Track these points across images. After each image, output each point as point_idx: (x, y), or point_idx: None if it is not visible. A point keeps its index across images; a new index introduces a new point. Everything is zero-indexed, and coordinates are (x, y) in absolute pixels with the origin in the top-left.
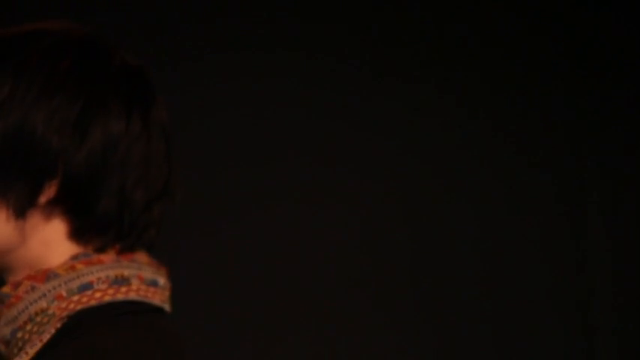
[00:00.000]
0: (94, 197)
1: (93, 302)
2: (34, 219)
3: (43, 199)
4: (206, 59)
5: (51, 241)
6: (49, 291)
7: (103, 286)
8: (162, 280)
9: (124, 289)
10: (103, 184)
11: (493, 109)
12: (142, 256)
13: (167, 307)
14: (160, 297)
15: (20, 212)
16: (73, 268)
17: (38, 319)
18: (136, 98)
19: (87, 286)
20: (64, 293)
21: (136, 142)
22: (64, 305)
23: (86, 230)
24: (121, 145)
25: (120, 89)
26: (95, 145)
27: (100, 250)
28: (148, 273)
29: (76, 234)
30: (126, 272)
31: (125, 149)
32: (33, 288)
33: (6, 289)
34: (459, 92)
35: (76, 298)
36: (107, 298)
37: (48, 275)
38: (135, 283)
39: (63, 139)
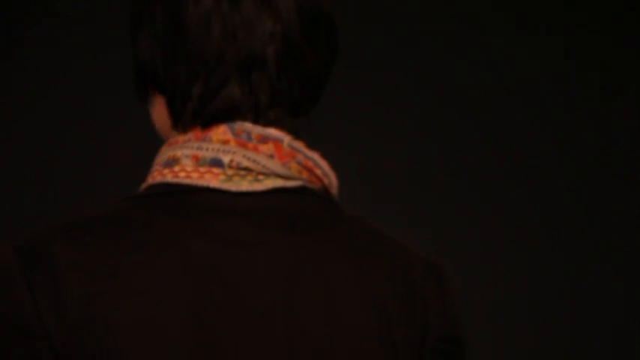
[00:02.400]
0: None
1: (146, 185)
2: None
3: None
4: None
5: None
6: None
7: (158, 168)
8: (227, 159)
9: (166, 171)
10: (175, 68)
11: None
12: (217, 133)
13: (228, 185)
14: (213, 177)
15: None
16: (158, 151)
17: None
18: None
19: (151, 169)
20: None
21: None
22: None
23: (172, 114)
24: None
25: None
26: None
27: (183, 130)
28: (210, 152)
29: (171, 119)
30: (179, 153)
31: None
32: None
33: None
34: None
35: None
36: (151, 181)
37: None
38: (183, 164)
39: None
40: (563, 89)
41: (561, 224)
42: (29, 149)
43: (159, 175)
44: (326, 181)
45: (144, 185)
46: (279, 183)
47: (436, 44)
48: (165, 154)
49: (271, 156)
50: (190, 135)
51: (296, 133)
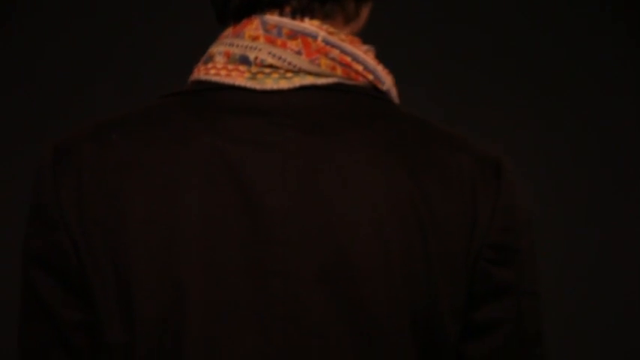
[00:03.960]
0: None
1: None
2: None
3: None
4: None
5: None
6: None
7: (198, 65)
8: (252, 56)
9: (202, 68)
10: None
11: None
12: (250, 29)
13: (252, 83)
14: (239, 75)
15: None
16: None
17: None
18: None
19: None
20: None
21: None
22: None
23: (214, 9)
24: None
25: None
26: None
27: (224, 25)
28: (239, 49)
29: (215, 14)
30: (214, 50)
31: None
32: None
33: None
34: None
35: None
36: (190, 78)
37: None
38: (215, 61)
39: None
40: None
41: None
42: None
43: (196, 72)
44: (370, 77)
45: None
46: (308, 80)
47: None
48: (207, 50)
49: (299, 52)
50: (228, 31)
51: (328, 17)
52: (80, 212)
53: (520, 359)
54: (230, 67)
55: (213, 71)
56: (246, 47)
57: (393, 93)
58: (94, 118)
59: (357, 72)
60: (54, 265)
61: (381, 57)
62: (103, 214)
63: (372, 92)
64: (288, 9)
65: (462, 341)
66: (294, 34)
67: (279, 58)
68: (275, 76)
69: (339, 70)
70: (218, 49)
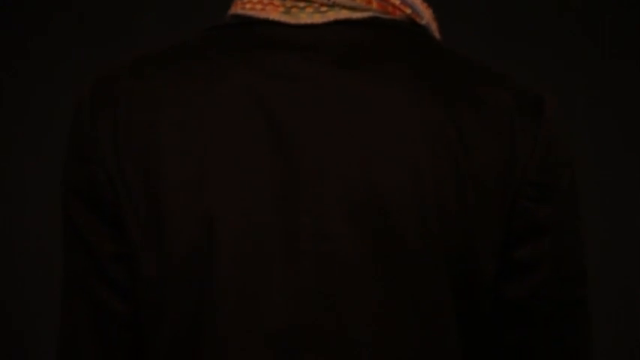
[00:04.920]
0: None
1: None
2: None
3: None
4: None
5: None
6: None
7: (236, 0)
8: None
9: (239, 2)
10: None
11: None
12: None
13: (286, 17)
14: (273, 9)
15: None
16: None
17: None
18: None
19: None
20: None
21: None
22: None
23: None
24: None
25: None
26: None
27: None
28: None
29: None
30: None
31: None
32: None
33: None
34: None
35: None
36: (229, 12)
37: None
38: None
39: None
40: None
41: None
42: None
43: (234, 6)
44: (408, 11)
45: None
46: (343, 14)
47: None
48: None
49: None
50: None
51: None
52: (115, 145)
53: (560, 300)
54: (265, 1)
55: (248, 5)
56: None
57: (433, 27)
58: (135, 52)
59: (393, 5)
60: (90, 197)
61: None
62: (137, 147)
63: (410, 26)
64: None
65: (500, 281)
66: None
67: None
68: (309, 10)
69: (374, 4)
70: None
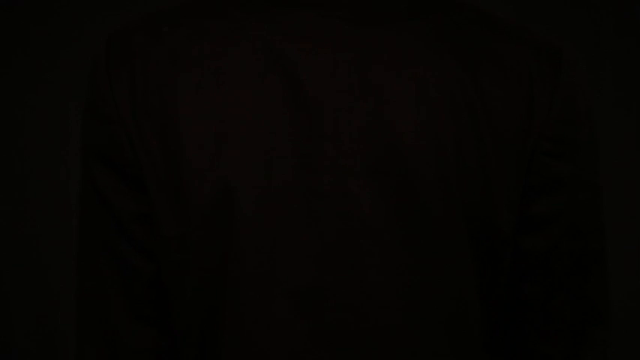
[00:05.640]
0: None
1: None
2: None
3: None
4: None
5: None
6: None
7: None
8: None
9: None
10: None
11: None
12: None
13: None
14: None
15: None
16: None
17: None
18: None
19: None
20: None
21: None
22: None
23: None
24: None
25: None
26: None
27: None
28: None
29: None
30: None
31: None
32: None
33: None
34: None
35: None
36: None
37: None
38: None
39: None
40: None
41: None
42: None
43: None
44: None
45: None
46: None
47: None
48: None
49: None
50: None
51: None
52: (133, 104)
53: (578, 254)
54: None
55: None
56: None
57: None
58: (147, 9)
59: None
60: (110, 158)
61: None
62: (155, 106)
63: None
64: None
65: (518, 235)
66: None
67: None
68: None
69: None
70: None
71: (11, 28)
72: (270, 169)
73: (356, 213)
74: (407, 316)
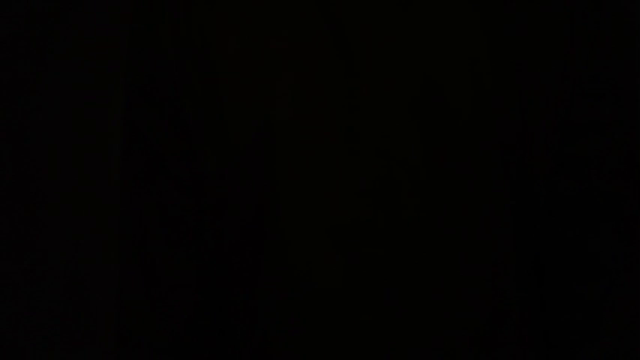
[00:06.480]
0: None
1: None
2: None
3: None
4: None
5: None
6: None
7: None
8: None
9: None
10: None
11: None
12: None
13: None
14: None
15: None
16: None
17: None
18: None
19: None
20: None
21: None
22: None
23: None
24: None
25: None
26: None
27: None
28: None
29: None
30: None
31: None
32: None
33: None
34: None
35: None
36: None
37: None
38: None
39: None
40: None
41: None
42: None
43: None
44: None
45: None
46: None
47: None
48: None
49: None
50: None
51: None
52: (175, 41)
53: (614, 200)
54: None
55: None
56: None
57: None
58: None
59: None
60: (152, 92)
61: None
62: (197, 45)
63: None
64: None
65: (554, 179)
66: None
67: None
68: None
69: None
70: None
71: (11, 27)
72: (311, 107)
73: (396, 151)
74: (443, 252)
